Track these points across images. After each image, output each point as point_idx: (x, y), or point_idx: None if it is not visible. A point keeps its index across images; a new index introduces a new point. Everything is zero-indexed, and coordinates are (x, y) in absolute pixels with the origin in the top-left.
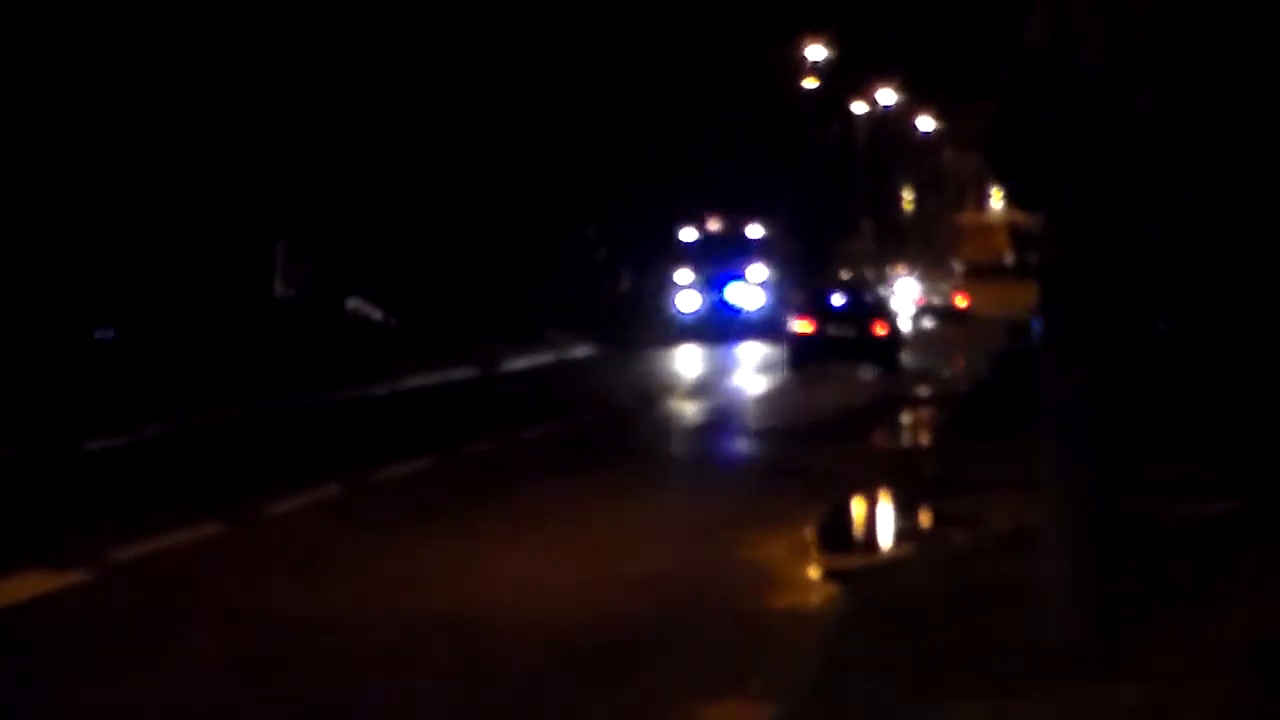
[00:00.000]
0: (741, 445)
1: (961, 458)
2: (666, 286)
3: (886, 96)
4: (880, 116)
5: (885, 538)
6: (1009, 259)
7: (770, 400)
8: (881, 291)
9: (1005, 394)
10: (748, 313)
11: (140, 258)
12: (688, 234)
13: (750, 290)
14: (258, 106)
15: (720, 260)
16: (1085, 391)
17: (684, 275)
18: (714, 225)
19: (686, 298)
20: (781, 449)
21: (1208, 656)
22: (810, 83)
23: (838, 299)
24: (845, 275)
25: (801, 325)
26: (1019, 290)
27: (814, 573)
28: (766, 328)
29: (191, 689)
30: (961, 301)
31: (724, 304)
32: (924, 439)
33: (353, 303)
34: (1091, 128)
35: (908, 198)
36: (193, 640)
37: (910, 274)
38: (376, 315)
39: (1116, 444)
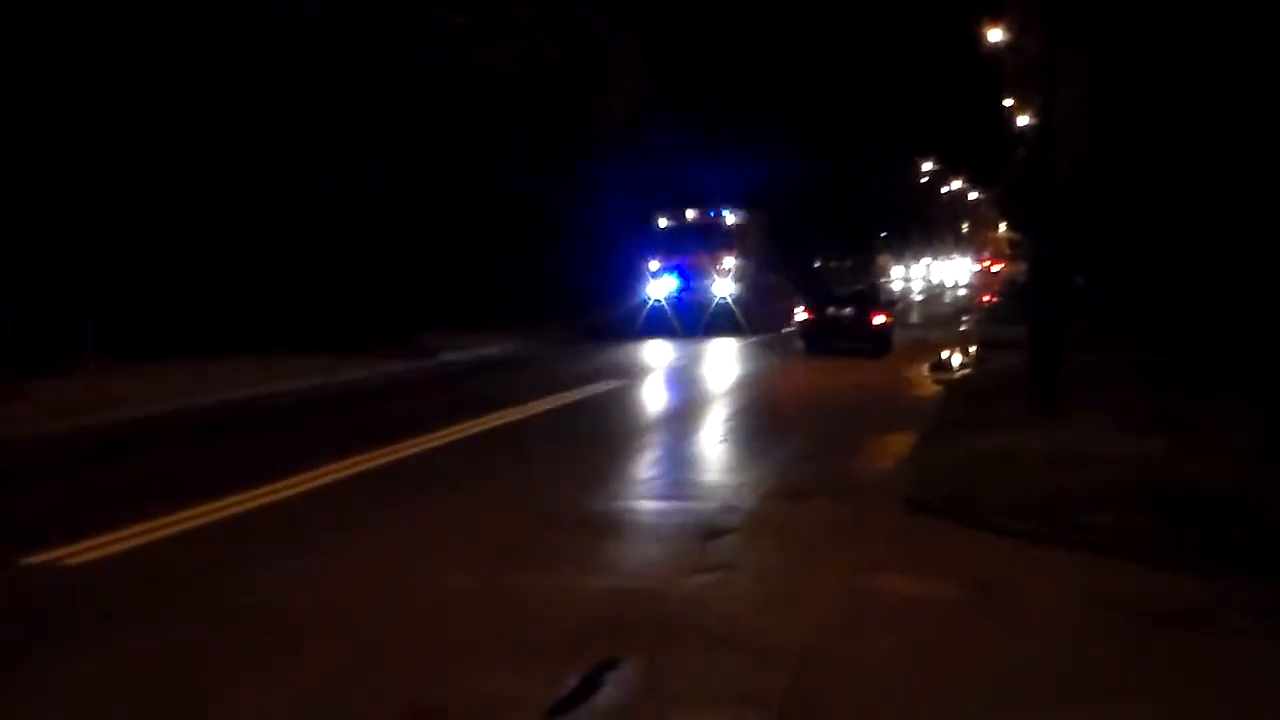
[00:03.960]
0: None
1: (992, 333)
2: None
3: (958, 182)
4: (956, 191)
5: (958, 367)
6: (1008, 251)
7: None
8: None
9: (1012, 304)
10: (719, 301)
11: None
12: (663, 221)
13: (721, 279)
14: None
15: (695, 247)
16: (1044, 302)
17: (656, 262)
18: (691, 213)
19: (657, 285)
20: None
21: (1091, 412)
22: (924, 178)
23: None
24: (928, 261)
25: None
26: (1016, 265)
27: (930, 381)
28: (731, 319)
29: (567, 444)
30: (996, 267)
31: (694, 291)
32: (974, 324)
33: None
34: (1051, 199)
35: (964, 227)
36: (565, 433)
37: (968, 258)
38: None
39: (1058, 328)
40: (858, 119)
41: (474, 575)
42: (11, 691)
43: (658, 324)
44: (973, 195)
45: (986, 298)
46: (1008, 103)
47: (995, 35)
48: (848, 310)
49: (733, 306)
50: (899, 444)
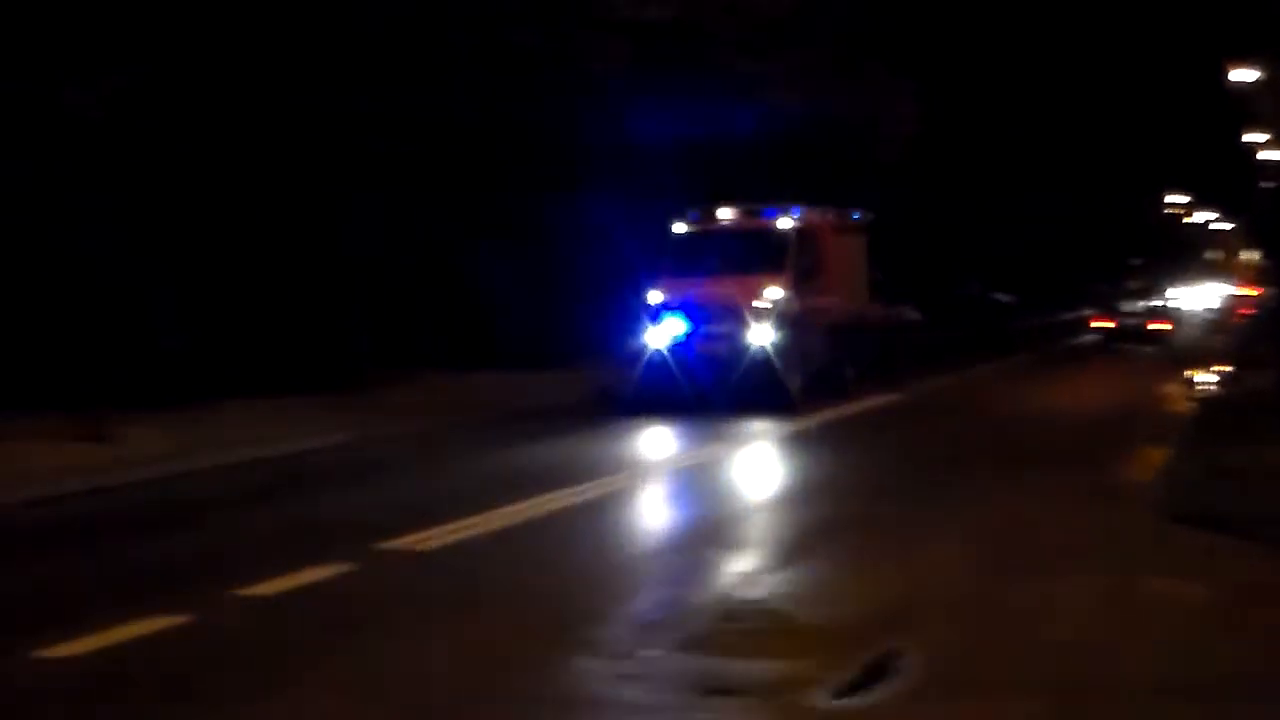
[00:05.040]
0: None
1: (1245, 352)
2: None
3: (1206, 214)
4: (1202, 221)
5: (1212, 384)
6: (1257, 277)
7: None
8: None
9: (1266, 323)
10: (755, 351)
11: None
12: (681, 227)
13: (760, 320)
14: None
15: (726, 267)
16: None
17: (659, 292)
18: (725, 214)
19: (661, 327)
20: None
21: None
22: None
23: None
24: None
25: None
26: (1265, 289)
27: (1183, 398)
28: (770, 387)
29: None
30: (1249, 291)
31: (715, 337)
32: (1227, 343)
33: (996, 294)
34: None
35: (1210, 255)
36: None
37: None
38: (1006, 299)
39: None
40: (1114, 154)
41: (758, 573)
42: (333, 674)
43: (657, 390)
44: (1219, 225)
45: (1238, 318)
46: (1260, 138)
47: (1243, 75)
48: (1137, 321)
49: (774, 363)
50: (1155, 457)
